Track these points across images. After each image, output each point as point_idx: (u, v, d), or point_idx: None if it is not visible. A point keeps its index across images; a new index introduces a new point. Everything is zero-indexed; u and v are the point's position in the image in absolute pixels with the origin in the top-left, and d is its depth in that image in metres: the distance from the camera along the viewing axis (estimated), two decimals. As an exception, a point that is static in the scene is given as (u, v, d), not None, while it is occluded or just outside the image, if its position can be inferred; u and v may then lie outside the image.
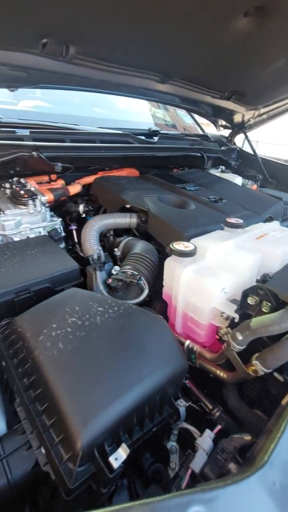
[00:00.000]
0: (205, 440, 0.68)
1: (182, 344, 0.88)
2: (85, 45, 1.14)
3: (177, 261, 0.89)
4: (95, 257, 0.99)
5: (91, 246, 1.12)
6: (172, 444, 0.84)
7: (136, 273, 0.97)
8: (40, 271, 0.88)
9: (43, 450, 0.55)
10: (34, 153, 1.31)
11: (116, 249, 1.21)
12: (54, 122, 1.58)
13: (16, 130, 1.35)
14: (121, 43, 1.18)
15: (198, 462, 0.63)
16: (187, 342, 0.87)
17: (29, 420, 0.59)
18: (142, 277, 0.96)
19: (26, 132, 1.37)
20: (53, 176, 1.59)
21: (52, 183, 1.53)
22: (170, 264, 0.91)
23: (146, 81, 1.55)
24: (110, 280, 0.94)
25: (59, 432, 0.54)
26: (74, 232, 1.49)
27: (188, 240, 1.01)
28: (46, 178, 1.58)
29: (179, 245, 0.90)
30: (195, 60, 1.51)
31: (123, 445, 0.56)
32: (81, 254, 1.51)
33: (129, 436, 0.62)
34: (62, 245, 1.31)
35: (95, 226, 1.20)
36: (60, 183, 1.55)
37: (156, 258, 1.13)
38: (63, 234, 1.39)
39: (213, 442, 0.71)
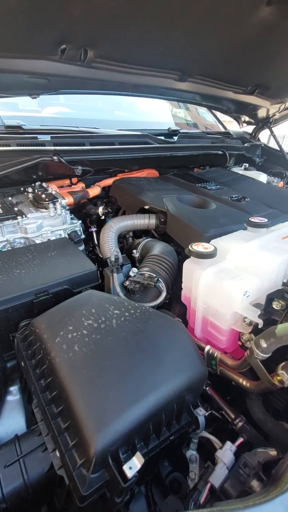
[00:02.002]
0: (226, 453, 0.64)
1: (202, 349, 0.85)
2: (103, 48, 1.14)
3: (197, 263, 0.86)
4: (113, 259, 0.98)
5: (109, 248, 1.12)
6: (191, 453, 0.81)
7: (154, 275, 0.95)
8: (59, 273, 0.89)
9: (57, 453, 0.55)
10: (55, 157, 1.34)
11: (134, 251, 1.20)
12: (74, 127, 1.61)
13: (38, 136, 1.39)
14: (139, 43, 1.17)
15: (218, 476, 0.60)
16: (207, 348, 0.83)
17: (45, 422, 0.59)
18: (160, 279, 0.94)
19: (47, 137, 1.41)
20: (74, 180, 1.62)
21: (72, 186, 1.56)
22: (189, 266, 0.88)
23: (164, 80, 1.53)
24: (127, 282, 0.93)
25: (74, 436, 0.53)
26: (94, 234, 1.51)
27: (208, 240, 0.97)
28: (67, 181, 1.62)
29: (198, 246, 0.87)
30: (215, 55, 1.46)
31: (138, 454, 0.55)
32: (101, 256, 1.53)
33: (145, 444, 0.60)
34: (82, 247, 1.33)
35: (113, 228, 1.20)
36: (80, 186, 1.57)
37: (175, 259, 1.10)
38: (82, 236, 1.41)
39: (235, 455, 0.67)
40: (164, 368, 0.64)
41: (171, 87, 1.65)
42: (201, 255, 0.83)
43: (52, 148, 1.33)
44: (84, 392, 0.56)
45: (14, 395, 0.85)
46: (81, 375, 0.58)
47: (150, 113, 2.76)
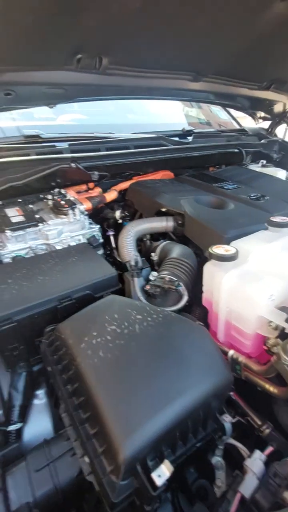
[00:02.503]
0: (256, 462, 0.62)
1: (225, 353, 0.83)
2: (117, 54, 1.15)
3: (218, 266, 0.84)
4: (133, 263, 0.99)
5: (128, 252, 1.13)
6: (217, 459, 0.80)
7: (174, 279, 0.94)
8: (81, 279, 0.91)
9: (86, 459, 0.55)
10: (72, 164, 1.36)
11: (153, 254, 1.20)
12: (90, 133, 1.64)
13: (56, 143, 1.43)
14: (152, 46, 1.17)
15: (248, 486, 0.58)
16: (231, 352, 0.82)
17: (73, 427, 0.60)
18: (180, 283, 0.93)
19: (65, 145, 1.44)
20: (91, 185, 1.65)
21: (89, 191, 1.58)
22: (210, 269, 0.87)
23: (178, 81, 1.52)
24: (148, 287, 0.93)
25: (102, 443, 0.54)
26: (112, 238, 1.52)
27: (228, 242, 0.95)
28: (84, 187, 1.64)
29: (219, 249, 0.86)
30: (229, 53, 1.43)
31: (166, 461, 0.54)
32: (119, 260, 1.54)
33: (172, 451, 0.60)
34: (101, 252, 1.35)
35: (131, 232, 1.21)
36: (97, 191, 1.59)
37: (194, 262, 1.09)
38: (101, 240, 1.43)
39: (265, 464, 0.65)
40: (190, 374, 0.63)
41: (185, 87, 1.64)
42: (222, 258, 0.82)
43: (70, 155, 1.36)
44: (111, 399, 0.56)
45: (40, 398, 0.88)
46: (107, 381, 0.59)
47: (163, 114, 2.76)
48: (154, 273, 0.99)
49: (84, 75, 1.20)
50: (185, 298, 0.90)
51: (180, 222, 1.26)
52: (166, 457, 0.57)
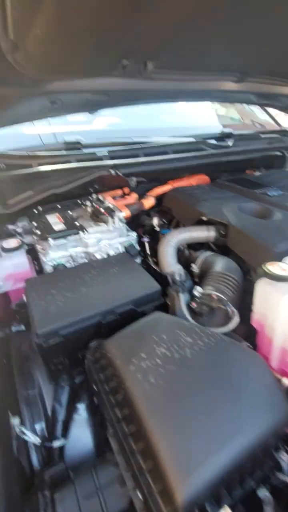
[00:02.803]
0: None
1: (279, 380, 0.76)
2: (163, 58, 1.11)
3: (274, 286, 0.78)
4: (177, 277, 0.95)
5: (170, 263, 1.09)
6: (265, 494, 0.74)
7: (223, 297, 0.89)
8: (124, 293, 0.88)
9: (139, 494, 0.52)
10: (112, 171, 1.35)
11: (193, 265, 1.15)
12: (128, 138, 1.62)
13: (96, 150, 1.43)
14: (200, 48, 1.12)
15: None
16: (286, 382, 0.75)
17: (123, 456, 0.57)
18: (228, 303, 0.88)
19: (104, 151, 1.44)
20: (126, 189, 1.63)
21: (126, 197, 1.57)
22: (264, 288, 0.80)
23: (222, 83, 1.45)
24: (194, 304, 0.88)
25: (157, 480, 0.51)
26: (147, 245, 1.50)
27: (279, 257, 0.88)
28: (119, 192, 1.63)
29: (275, 267, 0.79)
30: (278, 51, 1.34)
31: (226, 507, 0.50)
32: (154, 267, 1.50)
33: (228, 493, 0.55)
34: (138, 260, 1.32)
35: (172, 241, 1.17)
36: (134, 197, 1.57)
37: (240, 277, 1.03)
38: (138, 248, 1.41)
39: None
40: (249, 408, 0.58)
41: (227, 89, 1.56)
42: (281, 278, 0.75)
43: (111, 162, 1.35)
44: (167, 433, 0.53)
45: (81, 413, 0.87)
46: (161, 412, 0.55)
47: (195, 114, 2.68)
48: (199, 289, 0.94)
49: (128, 80, 1.18)
50: (236, 320, 0.84)
51: (222, 232, 1.20)
52: (223, 499, 0.53)
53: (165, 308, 0.97)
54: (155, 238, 1.66)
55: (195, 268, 1.14)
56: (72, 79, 1.06)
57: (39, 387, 0.90)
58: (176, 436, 0.52)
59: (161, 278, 1.08)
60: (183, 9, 0.86)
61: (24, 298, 1.01)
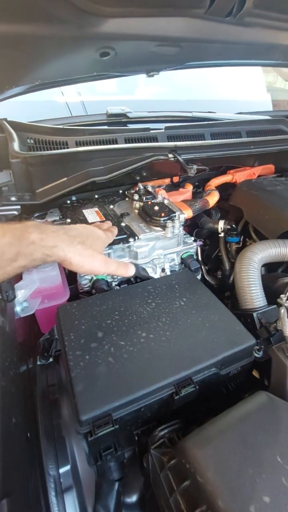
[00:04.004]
0: None
1: None
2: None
3: None
4: (286, 331, 0.63)
5: (257, 296, 0.77)
6: None
7: None
8: (203, 346, 0.59)
9: None
10: (170, 155, 1.02)
11: (283, 297, 0.83)
12: (187, 112, 1.26)
13: (149, 126, 1.09)
14: None
15: None
16: None
17: None
18: None
19: (160, 127, 1.10)
20: (175, 178, 1.30)
21: (180, 190, 1.24)
22: None
23: None
24: None
25: None
26: (199, 249, 1.18)
27: None
28: (167, 180, 1.30)
29: None
30: None
31: None
32: (209, 280, 1.20)
33: None
34: (199, 276, 1.02)
35: (255, 261, 0.84)
36: (189, 188, 1.24)
37: None
38: (199, 259, 1.10)
39: None
40: None
41: None
42: None
43: (171, 144, 1.02)
44: None
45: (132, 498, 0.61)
46: None
47: (245, 88, 2.15)
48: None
49: (212, 24, 0.81)
50: None
51: None
52: None
53: (259, 366, 0.67)
54: (213, 242, 1.34)
55: (284, 301, 0.82)
56: (136, 16, 0.72)
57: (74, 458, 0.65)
58: None
59: (240, 315, 0.78)
60: None
61: (56, 333, 0.75)
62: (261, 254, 0.85)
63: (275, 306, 0.77)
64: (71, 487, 0.61)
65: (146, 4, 0.69)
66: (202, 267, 1.18)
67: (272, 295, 0.85)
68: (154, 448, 0.50)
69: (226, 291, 1.10)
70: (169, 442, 0.52)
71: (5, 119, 1.00)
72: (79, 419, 0.47)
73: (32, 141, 0.99)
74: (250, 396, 0.51)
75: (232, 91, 2.02)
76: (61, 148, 1.01)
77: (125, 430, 0.54)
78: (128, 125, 1.20)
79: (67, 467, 0.63)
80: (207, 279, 1.19)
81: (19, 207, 0.94)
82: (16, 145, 0.90)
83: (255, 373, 0.72)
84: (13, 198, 0.93)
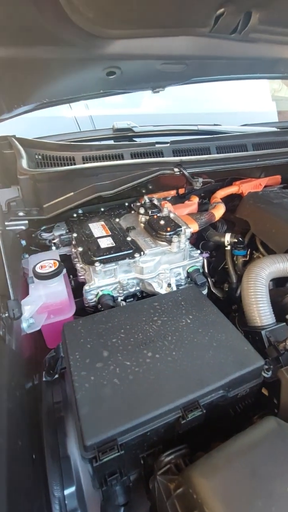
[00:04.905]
0: None
1: None
2: (277, 6, 0.75)
3: None
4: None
5: (264, 313, 0.76)
6: None
7: None
8: (210, 368, 0.58)
9: None
10: (176, 170, 1.03)
11: (292, 314, 0.81)
12: (193, 125, 1.27)
13: (154, 140, 1.10)
14: None
15: None
16: None
17: None
18: None
19: (165, 141, 1.11)
20: (181, 190, 1.30)
21: (186, 202, 1.24)
22: None
23: None
24: None
25: None
26: (205, 262, 1.17)
27: None
28: (172, 192, 1.31)
29: None
30: None
31: None
32: (216, 293, 1.19)
33: None
34: (205, 291, 1.01)
35: (262, 277, 0.82)
36: (195, 201, 1.24)
37: None
38: (206, 273, 1.09)
39: None
40: None
41: None
42: None
43: (177, 159, 1.02)
44: None
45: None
46: None
47: (249, 99, 2.14)
48: None
49: (216, 42, 0.82)
50: None
51: None
52: None
53: (268, 386, 0.66)
54: (219, 254, 1.33)
55: (294, 317, 0.80)
56: (142, 36, 0.73)
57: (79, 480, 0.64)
58: None
59: (247, 332, 0.76)
60: None
61: (61, 351, 0.75)
62: (268, 269, 0.84)
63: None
64: (76, 509, 0.61)
65: (151, 25, 0.71)
66: (209, 279, 1.17)
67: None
68: (160, 474, 0.49)
69: (233, 304, 1.09)
70: (175, 468, 0.51)
71: (14, 136, 1.02)
72: (84, 444, 0.46)
73: (40, 157, 1.01)
74: (258, 422, 0.50)
75: (237, 102, 2.02)
76: (68, 164, 1.02)
77: (131, 454, 0.53)
78: (134, 139, 1.21)
79: (72, 489, 0.62)
80: (214, 291, 1.18)
81: (26, 221, 0.96)
82: (24, 162, 0.91)
83: (264, 391, 0.71)
84: (20, 213, 0.95)
